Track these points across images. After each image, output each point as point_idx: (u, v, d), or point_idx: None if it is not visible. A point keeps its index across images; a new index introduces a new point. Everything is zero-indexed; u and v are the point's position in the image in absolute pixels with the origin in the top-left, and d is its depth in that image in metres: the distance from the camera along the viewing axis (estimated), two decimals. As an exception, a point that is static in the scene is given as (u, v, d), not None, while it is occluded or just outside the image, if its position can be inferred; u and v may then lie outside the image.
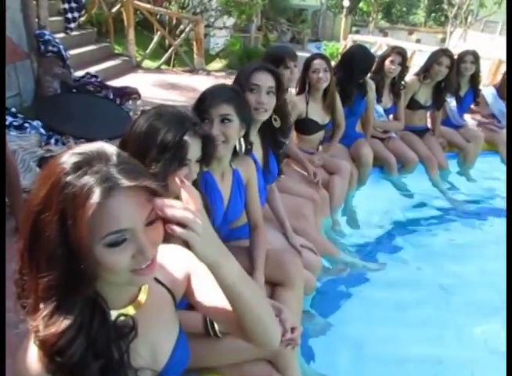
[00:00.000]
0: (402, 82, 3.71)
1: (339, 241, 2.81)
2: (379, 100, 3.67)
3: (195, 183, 1.35)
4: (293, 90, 3.02)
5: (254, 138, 1.96)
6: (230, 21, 10.21)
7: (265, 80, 1.87)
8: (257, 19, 13.15)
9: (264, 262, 1.79)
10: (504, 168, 4.08)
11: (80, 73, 5.10)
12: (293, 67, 2.56)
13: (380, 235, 3.07)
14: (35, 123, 3.46)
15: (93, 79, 4.86)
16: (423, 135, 4.04)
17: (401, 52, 3.57)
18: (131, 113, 4.49)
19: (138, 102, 4.95)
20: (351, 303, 2.35)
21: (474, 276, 2.69)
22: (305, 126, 3.04)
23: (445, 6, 19.77)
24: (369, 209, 3.28)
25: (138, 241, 0.75)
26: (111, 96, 4.59)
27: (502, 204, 3.77)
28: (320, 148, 3.23)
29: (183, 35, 7.95)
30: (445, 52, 3.76)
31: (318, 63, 2.89)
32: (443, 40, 22.73)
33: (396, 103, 3.77)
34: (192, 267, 1.00)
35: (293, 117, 2.90)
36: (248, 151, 1.88)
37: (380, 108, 3.71)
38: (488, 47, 18.99)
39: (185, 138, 1.23)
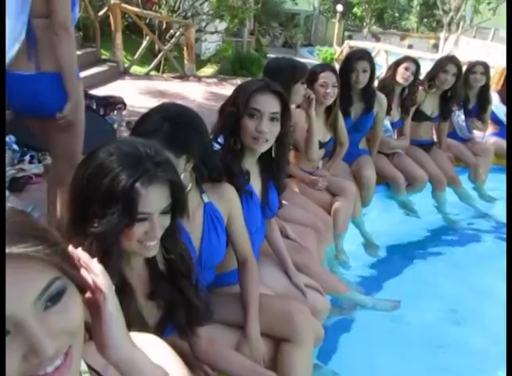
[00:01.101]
0: (414, 97, 3.42)
1: (344, 274, 2.53)
2: (388, 113, 3.38)
3: (170, 237, 1.07)
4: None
5: (252, 167, 1.67)
6: (222, 25, 9.95)
7: (268, 104, 1.55)
8: (250, 23, 12.92)
9: (257, 307, 1.49)
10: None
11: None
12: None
13: (389, 264, 2.80)
14: (7, 138, 3.13)
15: (75, 87, 4.53)
16: (430, 149, 3.79)
17: (415, 61, 3.33)
18: (115, 126, 4.18)
19: (124, 112, 4.64)
20: (360, 349, 2.06)
21: (491, 305, 2.45)
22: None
23: (438, 12, 19.72)
24: (374, 233, 3.00)
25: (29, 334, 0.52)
26: (94, 107, 4.27)
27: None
28: (320, 166, 2.95)
29: (173, 40, 7.67)
30: (451, 59, 3.51)
31: (327, 76, 2.59)
32: (435, 45, 22.73)
33: (404, 117, 3.49)
34: None
35: (297, 136, 2.61)
36: (245, 182, 1.58)
37: (387, 122, 3.44)
38: (480, 53, 19.02)
39: (137, 186, 0.93)
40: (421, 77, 3.51)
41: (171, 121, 1.25)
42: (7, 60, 1.75)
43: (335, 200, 2.73)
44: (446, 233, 3.33)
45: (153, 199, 0.97)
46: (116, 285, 0.81)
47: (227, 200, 1.48)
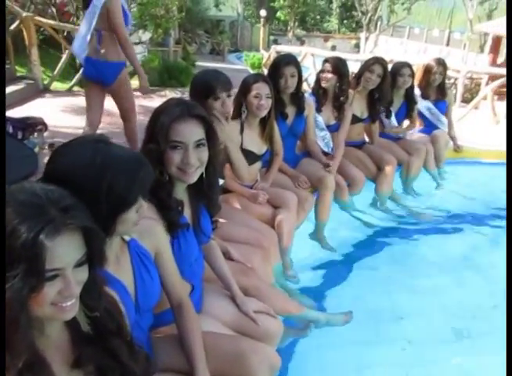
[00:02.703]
0: (345, 95, 3.43)
1: (294, 290, 2.45)
2: (319, 110, 3.39)
3: (91, 292, 0.92)
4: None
5: (182, 196, 1.54)
6: (146, 35, 9.66)
7: (190, 133, 1.42)
8: (175, 32, 12.70)
9: (203, 355, 1.36)
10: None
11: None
12: (225, 98, 2.17)
13: (340, 273, 2.77)
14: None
15: (-13, 110, 4.15)
16: (362, 149, 3.86)
17: (333, 60, 3.37)
18: (36, 150, 3.87)
19: (46, 133, 4.32)
20: (318, 368, 1.99)
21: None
22: None
23: (356, 13, 20.52)
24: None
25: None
26: (11, 130, 3.93)
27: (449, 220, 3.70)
28: (259, 179, 2.87)
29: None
30: (378, 60, 3.59)
31: (260, 87, 2.50)
32: (357, 45, 23.64)
33: (340, 119, 3.45)
34: None
35: (230, 149, 2.51)
36: (179, 213, 1.45)
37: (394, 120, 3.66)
38: (398, 50, 20.01)
39: (41, 238, 0.79)
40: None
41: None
42: (83, 53, 3.42)
43: (277, 212, 2.66)
44: (389, 235, 3.37)
45: (63, 251, 0.83)
46: (25, 363, 0.73)
47: (151, 235, 1.33)
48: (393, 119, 3.95)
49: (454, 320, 2.42)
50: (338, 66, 3.32)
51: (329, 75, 3.30)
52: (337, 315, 2.24)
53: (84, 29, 3.35)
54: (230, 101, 2.18)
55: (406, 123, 4.20)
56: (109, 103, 3.89)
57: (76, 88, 7.12)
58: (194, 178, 1.47)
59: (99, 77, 3.46)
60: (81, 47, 3.39)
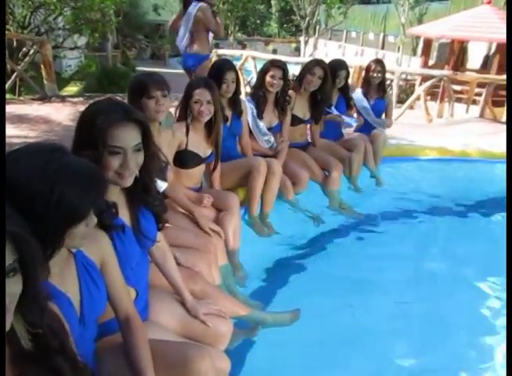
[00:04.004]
0: (287, 97, 3.49)
1: (240, 291, 2.44)
2: (260, 117, 3.42)
3: (32, 308, 0.87)
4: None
5: (118, 198, 1.49)
6: (82, 40, 9.36)
7: (129, 138, 1.39)
8: (113, 36, 12.39)
9: (151, 367, 1.33)
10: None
11: None
12: (159, 97, 2.14)
13: (285, 272, 2.79)
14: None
15: None
16: (306, 150, 3.95)
17: (281, 66, 3.36)
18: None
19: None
20: (268, 368, 2.00)
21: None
22: (185, 159, 2.61)
23: (295, 18, 20.91)
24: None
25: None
26: None
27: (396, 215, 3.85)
28: (203, 182, 2.86)
29: (27, 58, 6.98)
30: (318, 62, 3.68)
31: (200, 93, 2.49)
32: (297, 48, 24.09)
33: (282, 120, 3.54)
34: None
35: (172, 149, 2.49)
36: (113, 216, 1.40)
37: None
38: (336, 53, 20.62)
39: None
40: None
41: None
42: (184, 50, 4.83)
43: (221, 215, 2.66)
44: (337, 233, 3.46)
45: None
46: None
47: (96, 244, 1.30)
48: (334, 110, 4.05)
49: (406, 317, 2.48)
50: (286, 71, 3.36)
51: (280, 82, 3.32)
52: (284, 314, 2.25)
53: (182, 31, 4.77)
54: (166, 100, 2.15)
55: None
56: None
57: (8, 96, 6.77)
58: (130, 182, 1.44)
59: (191, 66, 4.82)
60: (182, 45, 4.82)
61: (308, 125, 3.98)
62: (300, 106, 3.72)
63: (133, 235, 1.55)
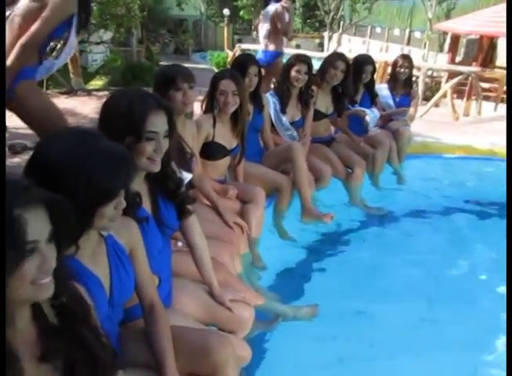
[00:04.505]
0: (311, 92, 3.48)
1: (261, 282, 2.46)
2: (283, 111, 3.42)
3: (57, 278, 0.90)
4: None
5: (140, 188, 1.52)
6: (107, 35, 9.48)
7: (162, 124, 1.45)
8: (138, 31, 12.50)
9: (173, 359, 1.36)
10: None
11: None
12: (186, 89, 2.16)
13: (309, 265, 2.80)
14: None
15: None
16: (330, 145, 3.93)
17: (306, 60, 3.35)
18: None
19: (6, 135, 4.17)
20: (287, 360, 2.00)
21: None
22: (211, 151, 2.64)
23: (319, 13, 20.79)
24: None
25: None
26: (-33, 132, 3.78)
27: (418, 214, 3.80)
28: (227, 174, 2.88)
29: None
30: (340, 56, 3.69)
31: (225, 84, 2.51)
32: (320, 44, 23.90)
33: (305, 115, 3.53)
34: None
35: (199, 140, 2.52)
36: (137, 206, 1.43)
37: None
38: (360, 49, 20.39)
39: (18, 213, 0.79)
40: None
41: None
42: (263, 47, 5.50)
43: (246, 207, 2.68)
44: (357, 229, 3.43)
45: (37, 224, 0.83)
46: None
47: (127, 231, 1.34)
48: (359, 108, 4.03)
49: (423, 313, 2.46)
50: (311, 66, 3.36)
51: (306, 77, 3.32)
52: (303, 308, 2.27)
53: (262, 32, 5.46)
54: (192, 93, 2.17)
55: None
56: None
57: (36, 89, 6.91)
58: (159, 167, 1.49)
59: (264, 62, 5.03)
60: (263, 43, 5.43)
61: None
62: (322, 101, 3.71)
63: (155, 224, 1.58)
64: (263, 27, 5.54)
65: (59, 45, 2.79)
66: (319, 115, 3.71)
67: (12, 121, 4.64)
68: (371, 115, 4.00)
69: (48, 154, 1.09)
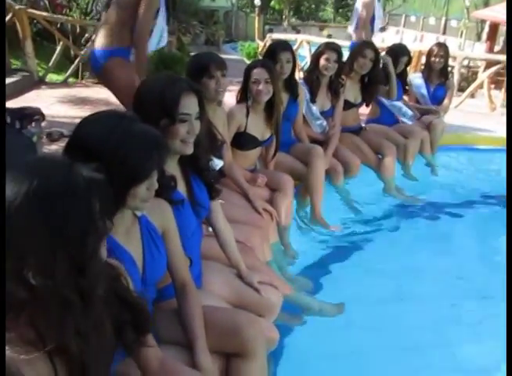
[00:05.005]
0: (341, 81, 3.45)
1: (289, 272, 2.47)
2: (313, 101, 3.41)
3: None
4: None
5: (174, 170, 1.57)
6: (140, 26, 9.59)
7: (194, 106, 1.50)
8: (169, 22, 12.61)
9: (204, 336, 1.40)
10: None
11: (-32, 95, 4.37)
12: (219, 77, 2.18)
13: (335, 259, 2.79)
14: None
15: (-17, 101, 4.14)
16: (359, 134, 3.90)
17: (335, 48, 3.32)
18: (34, 139, 3.87)
19: (43, 123, 4.30)
20: (311, 355, 2.01)
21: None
22: (242, 141, 2.66)
23: (351, 2, 20.40)
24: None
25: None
26: (8, 121, 3.92)
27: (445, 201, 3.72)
28: (257, 164, 2.90)
29: (89, 44, 7.26)
30: (369, 45, 3.67)
31: (258, 72, 2.52)
32: (352, 34, 23.52)
33: (335, 104, 3.51)
34: None
35: (231, 130, 2.54)
36: (172, 189, 1.47)
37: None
38: (393, 38, 19.95)
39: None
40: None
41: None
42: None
43: (275, 194, 2.70)
44: (385, 221, 3.38)
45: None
46: None
47: (160, 213, 1.38)
48: (397, 103, 4.01)
49: (452, 307, 2.43)
50: (341, 54, 3.33)
51: (335, 65, 3.28)
52: (330, 305, 2.26)
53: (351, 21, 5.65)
54: (225, 80, 2.20)
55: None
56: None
57: (71, 80, 7.10)
58: (191, 150, 1.53)
59: None
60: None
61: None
62: (350, 90, 3.68)
63: (189, 205, 1.63)
64: (353, 21, 5.70)
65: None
66: (347, 105, 3.68)
67: (49, 109, 4.81)
68: (405, 119, 3.97)
69: (85, 137, 1.14)
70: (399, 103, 4.12)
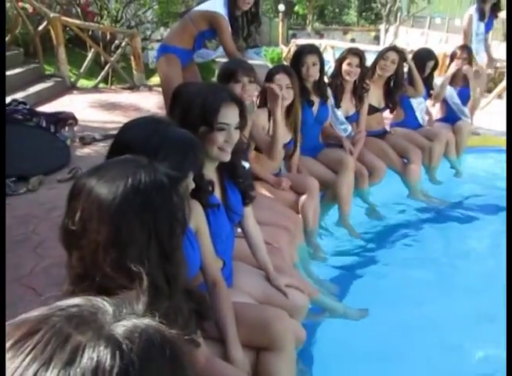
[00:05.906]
0: (365, 86, 3.48)
1: (315, 275, 2.53)
2: (338, 105, 3.45)
3: None
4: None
5: (212, 176, 1.65)
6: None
7: (234, 116, 1.58)
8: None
9: (235, 331, 1.48)
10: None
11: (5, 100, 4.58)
12: (246, 82, 2.27)
13: (362, 263, 2.83)
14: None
15: (21, 106, 4.33)
16: (384, 138, 3.91)
17: (358, 53, 3.36)
18: (68, 142, 4.04)
19: (76, 128, 4.49)
20: (337, 355, 2.06)
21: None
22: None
23: (375, 5, 20.33)
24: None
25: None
26: (44, 124, 4.11)
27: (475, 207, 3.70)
28: (282, 167, 2.97)
29: (119, 50, 7.50)
30: (391, 47, 3.73)
31: (280, 78, 2.59)
32: (376, 37, 23.34)
33: (359, 109, 3.55)
34: None
35: (261, 133, 2.61)
36: (210, 193, 1.56)
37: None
38: (418, 41, 19.72)
39: None
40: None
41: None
42: None
43: (300, 198, 2.75)
44: (412, 226, 3.39)
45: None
46: None
47: (194, 215, 1.45)
48: (423, 101, 4.04)
49: (477, 308, 2.42)
50: (363, 59, 3.35)
51: (357, 70, 3.31)
52: (354, 310, 2.31)
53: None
54: (252, 86, 2.28)
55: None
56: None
57: (101, 85, 7.31)
58: (229, 157, 1.61)
59: None
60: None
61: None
62: (374, 95, 3.68)
63: (224, 210, 1.71)
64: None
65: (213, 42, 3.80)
66: (371, 109, 3.69)
67: (81, 114, 4.99)
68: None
69: (128, 141, 1.24)
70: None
